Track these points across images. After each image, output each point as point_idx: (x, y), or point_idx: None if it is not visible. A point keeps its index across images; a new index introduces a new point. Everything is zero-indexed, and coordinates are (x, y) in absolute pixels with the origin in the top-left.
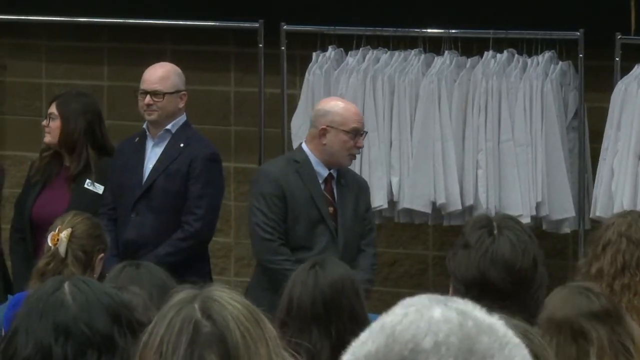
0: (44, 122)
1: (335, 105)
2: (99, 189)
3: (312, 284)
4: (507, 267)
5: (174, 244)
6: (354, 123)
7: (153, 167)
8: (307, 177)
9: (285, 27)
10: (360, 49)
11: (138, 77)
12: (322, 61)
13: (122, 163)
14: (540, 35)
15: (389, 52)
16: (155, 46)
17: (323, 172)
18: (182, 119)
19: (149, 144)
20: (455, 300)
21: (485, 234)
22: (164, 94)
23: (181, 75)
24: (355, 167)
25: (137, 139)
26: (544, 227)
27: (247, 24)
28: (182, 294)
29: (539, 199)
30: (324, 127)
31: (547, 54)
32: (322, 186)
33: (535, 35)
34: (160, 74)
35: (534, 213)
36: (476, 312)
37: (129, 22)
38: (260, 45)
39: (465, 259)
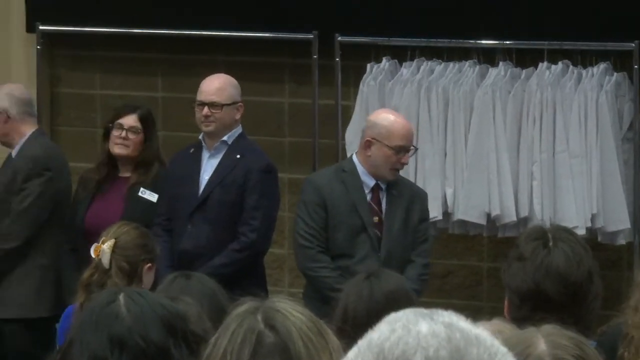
0: (118, 133)
1: (385, 118)
2: (154, 197)
3: (367, 295)
4: (562, 279)
5: (230, 255)
6: (399, 140)
7: (209, 179)
8: (352, 186)
9: (339, 38)
10: (415, 60)
11: (192, 89)
12: (376, 72)
13: (177, 174)
14: (594, 46)
15: (443, 64)
16: (209, 57)
17: (369, 182)
18: (237, 130)
19: (205, 155)
20: (440, 312)
21: (540, 246)
22: (222, 105)
23: (237, 87)
24: (409, 178)
25: (192, 150)
26: (599, 238)
27: (301, 35)
28: (245, 305)
29: (594, 211)
30: (369, 138)
31: (602, 66)
32: (369, 196)
33: (590, 47)
34: (218, 86)
35: (589, 224)
36: (462, 324)
37: (183, 34)
38: (315, 56)
39: (520, 270)
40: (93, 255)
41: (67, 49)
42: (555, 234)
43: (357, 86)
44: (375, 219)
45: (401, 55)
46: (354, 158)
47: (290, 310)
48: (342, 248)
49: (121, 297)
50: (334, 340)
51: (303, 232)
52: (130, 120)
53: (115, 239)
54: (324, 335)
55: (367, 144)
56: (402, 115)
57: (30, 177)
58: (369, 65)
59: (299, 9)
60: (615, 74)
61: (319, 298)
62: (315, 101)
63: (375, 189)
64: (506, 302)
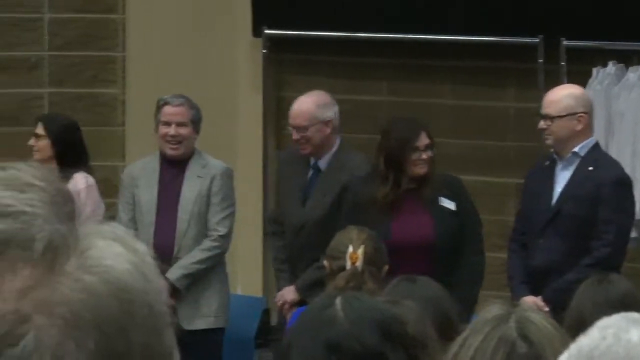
0: (424, 155)
1: None
2: (452, 204)
3: (603, 300)
4: None
5: (583, 271)
6: None
7: (561, 192)
8: None
9: (565, 42)
10: None
11: (417, 93)
12: (602, 77)
13: (531, 188)
14: None
15: None
16: (435, 62)
17: None
18: (590, 141)
19: (558, 167)
20: None
21: None
22: (552, 117)
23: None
24: None
25: (548, 162)
26: None
27: (527, 40)
28: (495, 308)
29: None
30: None
31: None
32: None
33: None
34: (553, 98)
35: None
36: None
37: (408, 38)
38: (540, 60)
39: None
40: (348, 264)
41: (293, 53)
42: None
43: None
44: None
45: (628, 59)
46: None
47: (544, 323)
48: None
49: (338, 301)
50: None
51: None
52: (424, 139)
53: (363, 245)
54: None
55: None
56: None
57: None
58: (594, 70)
59: (525, 13)
60: None
61: None
62: (540, 106)
63: None
64: None
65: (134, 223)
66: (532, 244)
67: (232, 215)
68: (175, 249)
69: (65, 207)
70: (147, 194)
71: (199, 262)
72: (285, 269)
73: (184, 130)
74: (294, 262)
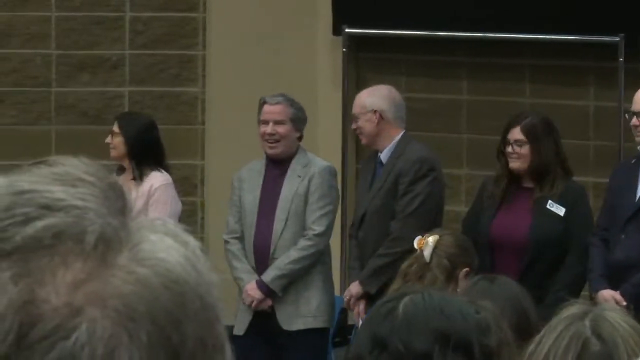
0: (511, 149)
1: None
2: (561, 210)
3: None
4: None
5: None
6: None
7: None
8: None
9: None
10: None
11: (497, 92)
12: None
13: (616, 184)
14: None
15: None
16: (514, 61)
17: None
18: None
19: None
20: None
21: None
22: None
23: None
24: None
25: (634, 160)
26: None
27: (607, 38)
28: (573, 308)
29: None
30: None
31: None
32: None
33: None
34: None
35: None
36: None
37: (487, 36)
38: (621, 59)
39: None
40: (416, 247)
41: (372, 51)
42: None
43: None
44: None
45: None
46: None
47: (619, 321)
48: None
49: (406, 297)
50: None
51: None
52: (515, 134)
53: (439, 235)
54: None
55: None
56: None
57: (417, 178)
58: None
59: (605, 11)
60: None
61: None
62: (620, 104)
63: None
64: None
65: (240, 226)
66: (614, 239)
67: (330, 213)
68: (272, 248)
69: (117, 201)
70: (250, 196)
71: (293, 262)
72: (356, 266)
73: (281, 129)
74: (361, 256)
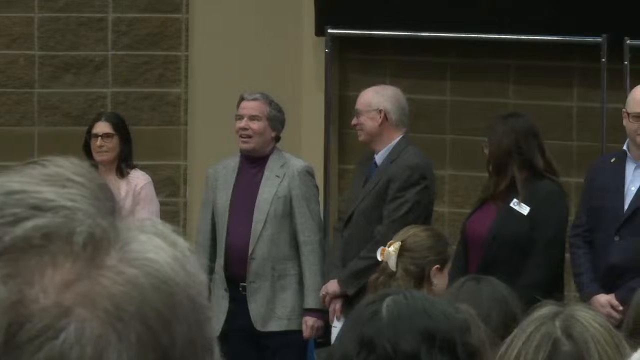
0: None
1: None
2: (524, 209)
3: None
4: None
5: None
6: None
7: (637, 190)
8: None
9: (628, 41)
10: None
11: (481, 92)
12: None
13: (597, 185)
14: None
15: None
16: (499, 61)
17: None
18: None
19: (630, 166)
20: None
21: None
22: None
23: None
24: None
25: (614, 159)
26: None
27: (590, 39)
28: (545, 308)
29: None
30: None
31: None
32: None
33: None
34: None
35: None
36: None
37: (472, 37)
38: (603, 60)
39: None
40: (379, 258)
41: (355, 52)
42: None
43: None
44: None
45: None
46: None
47: (590, 321)
48: None
49: (388, 298)
50: (630, 355)
51: None
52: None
53: (401, 241)
54: (620, 350)
55: None
56: None
57: (407, 185)
58: None
59: (588, 12)
60: None
61: None
62: (603, 105)
63: None
64: None
65: (213, 223)
66: (604, 241)
67: (317, 214)
68: (250, 249)
69: (106, 202)
70: (224, 195)
71: (314, 273)
72: (338, 264)
73: (255, 125)
74: (344, 255)
